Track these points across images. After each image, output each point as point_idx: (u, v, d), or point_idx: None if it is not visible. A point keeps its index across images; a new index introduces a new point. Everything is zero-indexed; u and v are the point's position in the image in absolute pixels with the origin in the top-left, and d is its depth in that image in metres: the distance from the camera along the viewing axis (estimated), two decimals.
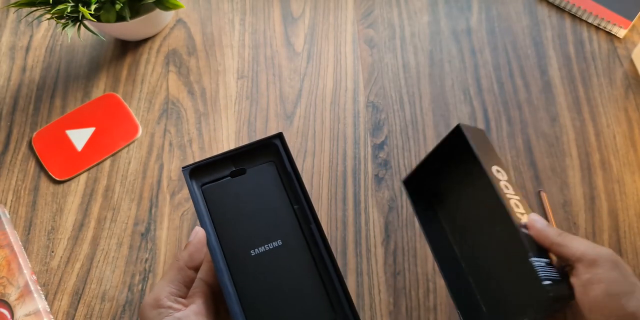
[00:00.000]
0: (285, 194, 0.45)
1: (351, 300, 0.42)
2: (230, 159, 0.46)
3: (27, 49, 0.73)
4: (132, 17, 0.65)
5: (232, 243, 0.43)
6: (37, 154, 0.65)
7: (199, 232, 0.43)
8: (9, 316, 0.55)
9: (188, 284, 0.42)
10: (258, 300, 0.41)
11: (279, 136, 0.46)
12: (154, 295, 0.39)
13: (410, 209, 0.61)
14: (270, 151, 0.46)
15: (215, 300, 0.43)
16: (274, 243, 0.43)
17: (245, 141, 0.66)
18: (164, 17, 0.71)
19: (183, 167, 0.45)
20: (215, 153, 0.65)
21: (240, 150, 0.46)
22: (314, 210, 0.44)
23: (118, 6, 0.62)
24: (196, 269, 0.42)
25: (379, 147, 0.65)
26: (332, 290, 0.42)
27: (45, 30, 0.74)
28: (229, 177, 0.45)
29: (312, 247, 0.43)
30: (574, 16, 0.73)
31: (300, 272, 0.42)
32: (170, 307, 0.39)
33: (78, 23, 0.62)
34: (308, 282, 0.42)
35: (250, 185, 0.45)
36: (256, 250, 0.43)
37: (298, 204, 0.44)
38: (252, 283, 0.42)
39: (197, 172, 0.46)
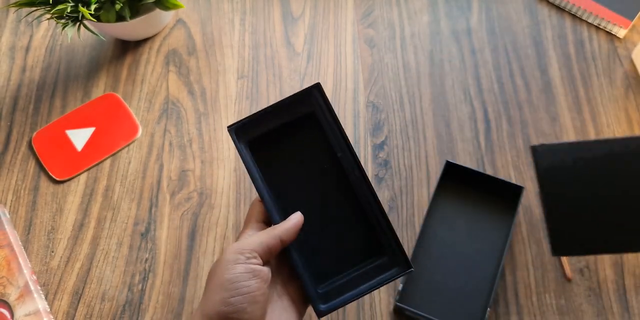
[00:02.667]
0: (328, 143, 0.45)
1: (398, 239, 0.43)
2: (270, 114, 0.45)
3: (27, 49, 0.73)
4: (132, 17, 0.65)
5: (285, 197, 0.45)
6: (37, 154, 0.65)
7: (299, 219, 0.43)
8: (8, 316, 0.55)
9: (273, 254, 0.42)
10: (313, 249, 0.43)
11: (317, 86, 0.45)
12: (240, 245, 0.41)
13: (410, 210, 0.61)
14: (310, 102, 0.45)
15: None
16: (321, 193, 0.45)
17: None
18: (164, 17, 0.71)
19: (228, 126, 0.45)
20: (215, 153, 0.65)
21: (279, 104, 0.45)
22: (357, 156, 0.45)
23: (118, 6, 0.62)
24: (285, 246, 0.43)
25: (379, 147, 0.65)
26: (380, 231, 0.44)
27: (45, 30, 0.75)
28: (274, 132, 0.46)
29: (358, 191, 0.44)
30: (574, 16, 0.73)
31: (351, 217, 0.44)
32: (248, 259, 0.40)
33: (78, 23, 0.62)
34: (358, 226, 0.44)
35: (294, 137, 0.46)
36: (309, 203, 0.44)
37: (341, 151, 0.45)
38: (304, 234, 0.43)
39: (239, 131, 0.45)
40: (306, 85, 0.69)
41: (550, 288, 0.56)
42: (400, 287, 0.54)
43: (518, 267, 0.57)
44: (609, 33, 0.71)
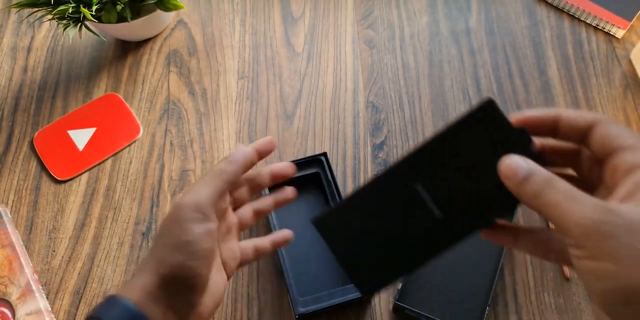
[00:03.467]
0: (325, 194, 0.59)
1: None
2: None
3: (29, 50, 0.73)
4: (133, 18, 0.65)
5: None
6: (39, 154, 0.65)
7: (248, 151, 0.41)
8: (10, 315, 0.55)
9: (224, 198, 0.41)
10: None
11: (324, 154, 0.60)
12: (195, 198, 0.38)
13: None
14: (318, 163, 0.61)
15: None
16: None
17: (245, 141, 0.66)
18: (164, 18, 0.71)
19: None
20: (215, 153, 0.65)
21: (301, 159, 0.60)
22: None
23: (119, 7, 0.63)
24: (234, 185, 0.42)
25: (378, 147, 0.65)
26: None
27: (46, 30, 0.75)
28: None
29: None
30: (572, 17, 0.73)
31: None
32: (208, 216, 0.38)
33: (79, 24, 0.63)
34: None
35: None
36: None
37: (334, 201, 0.59)
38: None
39: None
40: (306, 85, 0.69)
41: (549, 287, 0.56)
42: (399, 286, 0.54)
43: (517, 267, 0.57)
44: (607, 33, 0.72)
